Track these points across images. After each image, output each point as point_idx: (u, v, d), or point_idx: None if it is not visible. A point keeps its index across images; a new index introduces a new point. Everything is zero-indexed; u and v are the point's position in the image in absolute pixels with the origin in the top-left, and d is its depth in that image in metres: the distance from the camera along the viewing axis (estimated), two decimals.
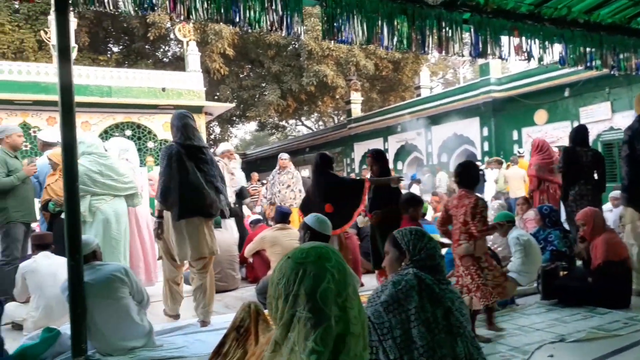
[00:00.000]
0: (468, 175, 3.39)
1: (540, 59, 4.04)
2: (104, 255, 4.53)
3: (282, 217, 5.39)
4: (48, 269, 3.67)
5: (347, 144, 20.41)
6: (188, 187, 3.79)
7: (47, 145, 5.84)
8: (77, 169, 3.02)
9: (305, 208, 4.45)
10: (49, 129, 10.84)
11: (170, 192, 3.78)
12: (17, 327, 3.98)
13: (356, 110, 20.52)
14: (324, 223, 3.19)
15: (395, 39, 3.45)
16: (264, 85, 21.25)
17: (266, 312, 2.81)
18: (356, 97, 20.51)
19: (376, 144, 19.16)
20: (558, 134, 12.19)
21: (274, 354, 0.97)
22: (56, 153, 4.91)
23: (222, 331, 3.52)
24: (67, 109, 2.83)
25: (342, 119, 26.10)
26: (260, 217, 7.64)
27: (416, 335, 1.73)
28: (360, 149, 19.76)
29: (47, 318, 3.71)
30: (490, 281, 3.19)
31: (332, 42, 3.32)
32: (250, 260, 5.85)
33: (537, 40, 4.00)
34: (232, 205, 6.98)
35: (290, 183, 7.55)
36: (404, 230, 1.98)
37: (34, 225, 5.49)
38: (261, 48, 20.08)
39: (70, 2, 2.78)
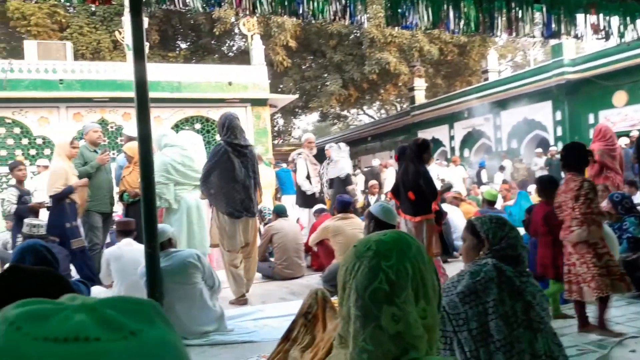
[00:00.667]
0: (574, 157, 3.15)
1: (621, 36, 3.78)
2: (186, 241, 4.84)
3: (344, 206, 5.41)
4: (130, 255, 3.90)
5: (410, 132, 20.08)
6: (234, 181, 4.46)
7: (132, 140, 6.21)
8: (153, 160, 3.18)
9: (395, 193, 4.47)
10: (127, 124, 11.46)
11: (211, 184, 4.50)
12: None
13: (420, 97, 20.11)
14: (389, 212, 3.17)
15: (462, 22, 3.35)
16: (325, 75, 21.30)
17: (333, 299, 2.85)
18: (420, 84, 20.09)
19: (441, 131, 18.72)
20: (639, 117, 11.37)
21: (341, 346, 0.97)
22: (131, 146, 5.22)
23: (290, 317, 3.61)
24: (143, 104, 2.98)
25: (404, 106, 25.70)
26: (324, 206, 7.71)
27: (493, 328, 1.68)
28: (424, 137, 19.40)
29: None
30: (604, 268, 2.93)
31: (396, 28, 3.28)
32: (315, 249, 5.93)
33: (617, 17, 3.74)
34: (318, 195, 7.13)
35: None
36: (484, 218, 1.90)
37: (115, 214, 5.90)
38: (323, 38, 20.11)
39: (143, 2, 2.91)
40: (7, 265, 5.02)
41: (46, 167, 8.22)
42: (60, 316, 0.41)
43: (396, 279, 0.86)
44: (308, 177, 6.90)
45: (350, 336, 0.88)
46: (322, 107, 21.80)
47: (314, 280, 5.59)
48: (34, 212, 5.40)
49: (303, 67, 22.56)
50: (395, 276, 0.86)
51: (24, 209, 5.49)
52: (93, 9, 18.81)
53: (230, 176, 4.43)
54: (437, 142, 18.69)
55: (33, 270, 1.41)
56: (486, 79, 18.17)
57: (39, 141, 10.96)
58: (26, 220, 4.62)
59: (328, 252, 5.32)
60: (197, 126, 12.29)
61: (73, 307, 0.43)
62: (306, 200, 7.04)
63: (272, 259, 6.05)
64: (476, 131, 17.07)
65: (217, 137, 12.39)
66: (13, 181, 6.46)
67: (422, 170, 4.07)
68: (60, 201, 4.81)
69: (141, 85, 2.97)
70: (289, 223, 6.26)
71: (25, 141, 10.94)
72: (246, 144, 4.66)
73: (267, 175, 9.61)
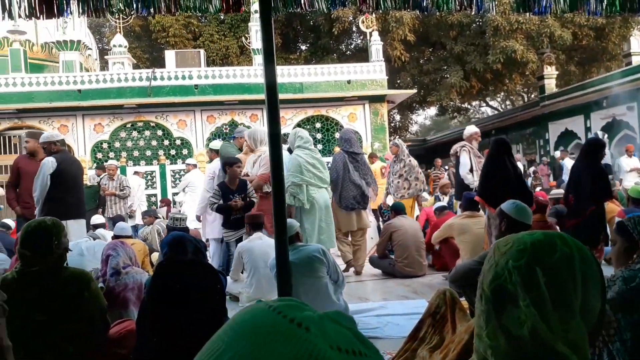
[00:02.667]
0: None
1: None
2: (316, 240, 5.05)
3: (471, 204, 5.20)
4: (261, 248, 4.13)
5: (540, 124, 18.70)
6: (351, 182, 5.66)
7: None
8: (282, 159, 3.33)
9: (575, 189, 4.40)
10: (255, 125, 12.15)
11: (337, 185, 5.68)
12: (235, 298, 4.59)
13: (550, 85, 18.64)
14: (522, 210, 2.98)
15: (604, 2, 3.04)
16: (445, 68, 20.64)
17: (462, 300, 2.76)
18: (550, 72, 18.62)
19: (575, 122, 17.18)
20: None
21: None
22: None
23: (413, 316, 3.57)
24: (273, 105, 3.12)
25: (532, 96, 23.98)
26: (445, 204, 7.48)
27: None
28: (555, 129, 17.94)
29: (258, 293, 4.19)
30: None
31: (528, 14, 3.07)
32: (437, 247, 5.79)
33: None
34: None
35: (403, 172, 7.19)
36: (637, 218, 1.72)
37: None
38: (442, 30, 19.50)
39: (272, 7, 3.05)
40: (154, 254, 5.61)
41: (195, 165, 9.19)
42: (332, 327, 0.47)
43: (521, 281, 0.82)
44: (471, 170, 6.70)
45: (484, 332, 0.87)
46: (441, 100, 21.15)
47: (436, 280, 5.46)
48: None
49: (421, 61, 22.09)
50: (520, 277, 0.83)
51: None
52: (222, 17, 20.17)
53: (347, 177, 5.62)
54: (571, 134, 17.20)
55: (189, 261, 1.56)
56: (629, 64, 16.30)
57: (178, 142, 12.05)
58: (170, 214, 5.10)
59: (452, 251, 5.16)
60: (317, 125, 12.63)
61: (328, 317, 0.48)
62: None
63: (392, 256, 6.03)
64: (617, 121, 15.40)
65: (337, 135, 12.65)
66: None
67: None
68: None
69: (271, 87, 3.10)
70: (409, 220, 6.18)
71: (166, 142, 12.10)
72: (359, 151, 5.95)
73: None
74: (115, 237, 4.79)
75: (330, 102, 12.43)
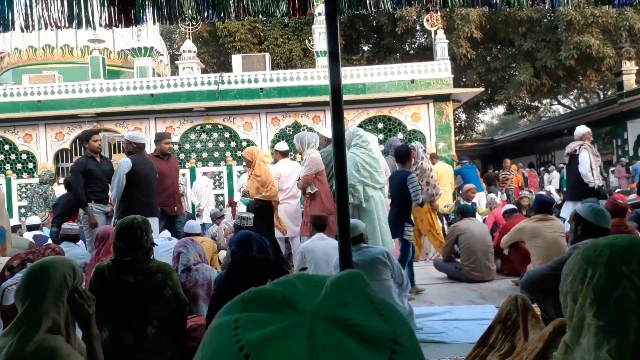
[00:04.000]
0: None
1: None
2: (379, 239, 5.03)
3: (543, 207, 4.98)
4: (323, 249, 4.17)
5: (618, 122, 17.59)
6: None
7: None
8: (346, 160, 3.34)
9: None
10: (317, 126, 12.26)
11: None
12: None
13: (629, 82, 17.46)
14: (600, 214, 2.81)
15: None
16: (514, 65, 19.87)
17: (534, 306, 2.65)
18: (629, 67, 17.45)
19: None
20: None
21: (564, 356, 0.89)
22: (249, 150, 5.86)
23: (481, 321, 3.46)
24: (337, 107, 3.13)
25: (609, 93, 22.58)
26: (515, 206, 7.21)
27: None
28: (635, 128, 16.81)
29: None
30: None
31: (608, 7, 2.89)
32: (506, 251, 5.59)
33: None
34: (598, 187, 6.74)
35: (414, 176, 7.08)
36: None
37: None
38: (511, 26, 18.79)
39: (338, 9, 3.07)
40: (221, 252, 5.79)
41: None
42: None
43: None
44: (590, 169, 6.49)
45: (582, 348, 0.81)
46: (510, 99, 20.38)
47: (505, 285, 5.28)
48: None
49: (488, 58, 21.41)
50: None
51: None
52: (286, 20, 20.52)
53: None
54: None
55: (259, 259, 1.60)
56: None
57: (244, 144, 12.36)
58: (237, 213, 5.24)
59: (522, 256, 4.96)
60: (380, 125, 12.55)
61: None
62: (585, 193, 6.51)
63: (458, 260, 5.88)
64: None
65: (400, 135, 12.51)
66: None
67: None
68: None
69: (336, 88, 3.11)
70: (476, 223, 6.01)
71: (233, 144, 12.46)
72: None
73: (446, 173, 9.37)
74: (185, 234, 4.98)
75: (393, 102, 12.31)
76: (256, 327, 0.39)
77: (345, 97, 11.78)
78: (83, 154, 6.14)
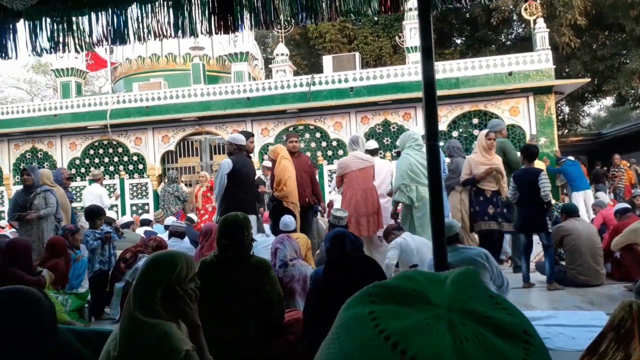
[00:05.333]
0: None
1: None
2: (427, 238, 5.04)
3: None
4: (416, 248, 4.12)
5: None
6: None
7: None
8: (440, 159, 3.27)
9: None
10: (408, 123, 12.10)
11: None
12: None
13: None
14: None
15: None
16: (624, 52, 18.21)
17: None
18: None
19: None
20: None
21: None
22: (271, 149, 6.01)
23: (589, 328, 3.24)
24: (431, 103, 3.08)
25: None
26: (628, 205, 6.62)
27: None
28: None
29: None
30: None
31: None
32: (618, 254, 5.16)
33: None
34: None
35: None
36: None
37: None
38: (620, 10, 17.24)
39: (431, 4, 3.01)
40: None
41: None
42: None
43: None
44: None
45: None
46: (620, 89, 18.72)
47: (616, 291, 4.88)
48: None
49: (595, 46, 19.82)
50: None
51: None
52: (376, 18, 20.44)
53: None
54: None
55: (353, 255, 1.62)
56: None
57: (334, 143, 12.51)
58: (332, 212, 5.33)
59: (636, 259, 4.56)
60: (475, 121, 12.10)
61: None
62: None
63: (562, 263, 5.53)
64: None
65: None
66: None
67: None
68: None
69: (429, 83, 3.06)
70: (583, 224, 5.60)
71: (324, 144, 12.65)
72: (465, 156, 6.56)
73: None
74: (280, 231, 5.15)
75: (490, 96, 11.81)
76: (396, 318, 0.40)
77: (438, 93, 11.51)
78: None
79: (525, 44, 16.68)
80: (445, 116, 12.01)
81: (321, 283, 2.21)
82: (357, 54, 14.47)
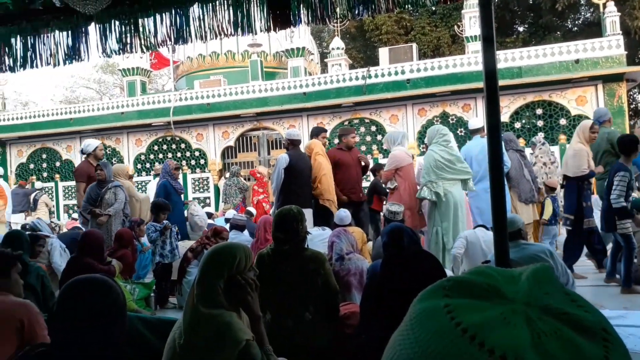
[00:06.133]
0: None
1: None
2: (452, 234, 4.95)
3: None
4: (484, 243, 4.03)
5: None
6: (524, 177, 6.27)
7: (473, 132, 6.53)
8: (502, 149, 3.17)
9: None
10: (467, 115, 11.79)
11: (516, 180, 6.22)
12: None
13: None
14: None
15: None
16: None
17: None
18: None
19: None
20: None
21: None
22: (306, 145, 6.04)
23: None
24: (492, 93, 2.98)
25: None
26: None
27: None
28: None
29: None
30: None
31: None
32: None
33: None
34: None
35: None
36: None
37: None
38: None
39: None
40: (369, 243, 5.90)
41: None
42: None
43: None
44: None
45: None
46: None
47: None
48: None
49: None
50: None
51: None
52: (433, 8, 20.00)
53: (521, 173, 6.22)
54: None
55: (411, 251, 1.61)
56: None
57: None
58: (387, 206, 5.30)
59: None
60: (539, 111, 11.62)
61: None
62: None
63: (635, 261, 5.22)
64: None
65: (562, 121, 11.45)
66: None
67: None
68: (579, 181, 5.44)
69: (491, 73, 2.97)
70: None
71: (379, 137, 12.56)
72: (523, 149, 6.64)
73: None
74: (335, 225, 5.18)
75: (555, 85, 11.28)
76: (472, 311, 0.40)
77: (500, 83, 11.12)
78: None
79: (593, 29, 15.80)
80: (507, 107, 11.60)
81: (378, 277, 2.20)
82: (414, 45, 14.22)
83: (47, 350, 1.44)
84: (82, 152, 6.74)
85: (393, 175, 5.81)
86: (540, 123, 11.60)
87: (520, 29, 22.76)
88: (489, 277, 0.44)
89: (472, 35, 12.54)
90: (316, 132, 6.54)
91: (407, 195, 5.66)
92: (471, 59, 11.81)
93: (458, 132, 11.95)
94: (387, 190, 5.98)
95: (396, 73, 12.25)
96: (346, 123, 12.73)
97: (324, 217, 5.74)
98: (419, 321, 0.42)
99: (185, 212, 7.44)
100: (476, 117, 11.07)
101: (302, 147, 6.19)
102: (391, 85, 12.22)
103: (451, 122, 12.03)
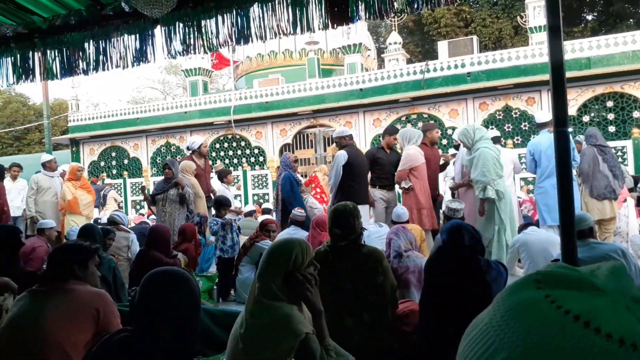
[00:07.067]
0: None
1: None
2: (510, 231, 4.82)
3: None
4: (539, 243, 3.88)
5: None
6: (601, 173, 6.19)
7: (540, 126, 6.27)
8: (569, 144, 3.03)
9: None
10: (531, 108, 11.34)
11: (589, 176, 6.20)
12: None
13: None
14: None
15: None
16: None
17: None
18: None
19: None
20: None
21: None
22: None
23: None
24: (559, 85, 2.85)
25: None
26: None
27: None
28: None
29: None
30: None
31: None
32: None
33: None
34: None
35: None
36: None
37: None
38: None
39: None
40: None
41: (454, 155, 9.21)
42: None
43: None
44: None
45: None
46: None
47: None
48: None
49: None
50: None
51: None
52: None
53: (597, 169, 6.12)
54: None
55: (467, 249, 1.58)
56: None
57: (450, 132, 12.12)
58: (446, 203, 5.20)
59: None
60: (609, 104, 10.98)
61: None
62: None
63: None
64: None
65: (635, 114, 10.77)
66: None
67: None
68: None
69: (557, 65, 2.84)
70: None
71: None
72: (605, 144, 6.40)
73: None
74: (393, 223, 5.14)
75: (627, 76, 10.61)
76: (577, 301, 0.41)
77: (567, 74, 10.60)
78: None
79: None
80: (575, 100, 11.05)
81: (432, 275, 2.18)
82: (475, 38, 13.81)
83: (126, 337, 1.53)
84: (188, 148, 7.12)
85: (407, 174, 5.75)
86: (610, 116, 10.97)
87: (589, 17, 21.60)
88: (576, 270, 0.45)
89: (537, 25, 12.03)
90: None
91: (422, 195, 5.70)
92: (535, 51, 11.33)
93: (522, 126, 11.51)
94: (401, 190, 5.86)
95: (456, 66, 11.96)
96: (403, 119, 12.58)
97: None
98: (515, 313, 0.43)
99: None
100: (541, 110, 10.62)
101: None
102: (451, 79, 11.95)
103: (514, 115, 11.62)
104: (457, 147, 6.34)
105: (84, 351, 1.90)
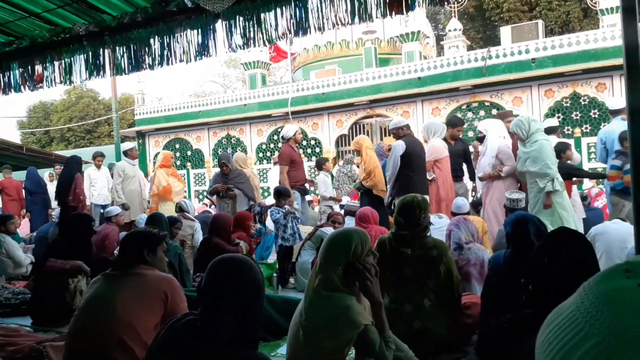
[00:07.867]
0: None
1: None
2: (573, 224, 4.62)
3: None
4: (617, 234, 3.70)
5: None
6: None
7: (614, 113, 5.96)
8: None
9: None
10: (602, 95, 10.73)
11: None
12: None
13: None
14: None
15: None
16: None
17: None
18: None
19: None
20: None
21: None
22: (355, 140, 5.46)
23: None
24: (634, 70, 2.69)
25: None
26: None
27: None
28: None
29: None
30: None
31: None
32: None
33: None
34: None
35: None
36: None
37: None
38: None
39: None
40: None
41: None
42: None
43: None
44: None
45: None
46: None
47: None
48: None
49: None
50: None
51: None
52: None
53: None
54: None
55: (534, 242, 1.53)
56: None
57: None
58: (506, 194, 5.03)
59: None
60: None
61: None
62: None
63: None
64: None
65: None
66: None
67: None
68: None
69: (632, 49, 2.68)
70: None
71: None
72: None
73: None
74: (453, 214, 5.04)
75: None
76: None
77: None
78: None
79: None
80: None
81: (499, 269, 2.12)
82: (540, 22, 13.19)
83: (193, 321, 1.60)
84: (283, 137, 7.02)
85: (432, 166, 5.83)
86: None
87: None
88: None
89: (608, 7, 11.32)
90: (454, 123, 6.65)
91: (443, 188, 5.76)
92: (606, 34, 10.68)
93: (591, 114, 10.92)
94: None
95: (520, 52, 11.49)
96: (464, 107, 12.25)
97: (378, 208, 5.68)
98: (608, 299, 0.45)
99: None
100: (612, 97, 10.02)
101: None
102: (514, 66, 11.49)
103: (583, 103, 11.03)
104: (480, 140, 6.07)
105: (153, 333, 2.00)
